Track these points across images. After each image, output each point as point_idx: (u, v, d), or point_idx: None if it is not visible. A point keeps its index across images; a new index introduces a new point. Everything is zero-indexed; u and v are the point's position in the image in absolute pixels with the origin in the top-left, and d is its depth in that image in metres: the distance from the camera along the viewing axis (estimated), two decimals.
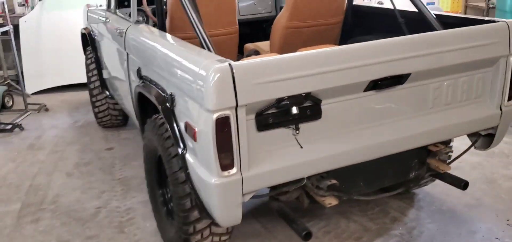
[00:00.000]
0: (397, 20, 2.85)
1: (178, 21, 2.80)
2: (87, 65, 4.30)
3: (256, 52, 3.32)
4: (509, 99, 2.39)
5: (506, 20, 2.32)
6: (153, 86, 2.36)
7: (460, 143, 2.78)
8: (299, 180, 2.04)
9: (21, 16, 5.79)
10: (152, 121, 2.42)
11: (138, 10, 3.00)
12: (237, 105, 1.75)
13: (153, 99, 2.29)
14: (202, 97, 1.78)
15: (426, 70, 2.12)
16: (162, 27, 2.69)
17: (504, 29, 2.27)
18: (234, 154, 1.80)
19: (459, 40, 2.17)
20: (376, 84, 2.03)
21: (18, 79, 5.27)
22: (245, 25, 3.79)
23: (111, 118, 4.39)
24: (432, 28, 2.50)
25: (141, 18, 2.88)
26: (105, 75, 3.94)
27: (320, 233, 2.73)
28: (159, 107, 2.19)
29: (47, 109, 5.20)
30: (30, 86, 5.70)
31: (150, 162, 2.59)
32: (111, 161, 3.83)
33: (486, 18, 2.46)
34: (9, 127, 4.56)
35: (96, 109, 4.36)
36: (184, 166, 2.06)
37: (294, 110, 1.87)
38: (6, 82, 5.55)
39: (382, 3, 5.69)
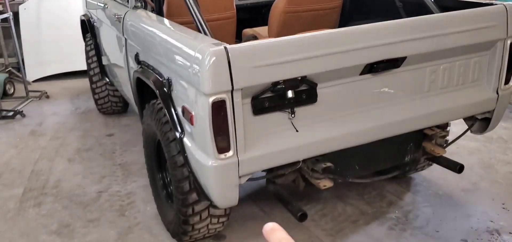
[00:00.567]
0: (395, 4, 2.85)
1: (175, 6, 2.80)
2: (86, 52, 4.30)
3: (255, 38, 3.31)
4: (505, 83, 2.39)
5: (504, 2, 2.31)
6: (151, 71, 2.38)
7: (459, 128, 2.79)
8: (295, 163, 2.07)
9: (20, 4, 5.78)
10: (150, 106, 2.44)
11: None
12: (233, 89, 1.77)
13: (151, 84, 2.30)
14: (198, 81, 1.80)
15: (423, 53, 2.12)
16: (159, 12, 2.70)
17: (501, 12, 2.25)
18: (230, 137, 1.82)
19: (456, 23, 2.16)
20: (372, 68, 2.03)
21: (19, 67, 5.30)
22: (244, 11, 3.78)
23: (111, 105, 4.41)
24: (429, 12, 2.50)
25: (139, 4, 2.87)
26: (104, 61, 3.94)
27: (317, 216, 2.76)
28: (157, 92, 2.22)
29: (48, 97, 5.23)
30: (31, 73, 5.73)
31: (149, 147, 2.63)
32: (111, 146, 3.86)
33: (484, 1, 2.45)
34: (10, 113, 4.60)
35: (96, 96, 4.38)
36: (182, 149, 2.09)
37: (290, 94, 1.88)
38: (7, 69, 5.58)
39: None
